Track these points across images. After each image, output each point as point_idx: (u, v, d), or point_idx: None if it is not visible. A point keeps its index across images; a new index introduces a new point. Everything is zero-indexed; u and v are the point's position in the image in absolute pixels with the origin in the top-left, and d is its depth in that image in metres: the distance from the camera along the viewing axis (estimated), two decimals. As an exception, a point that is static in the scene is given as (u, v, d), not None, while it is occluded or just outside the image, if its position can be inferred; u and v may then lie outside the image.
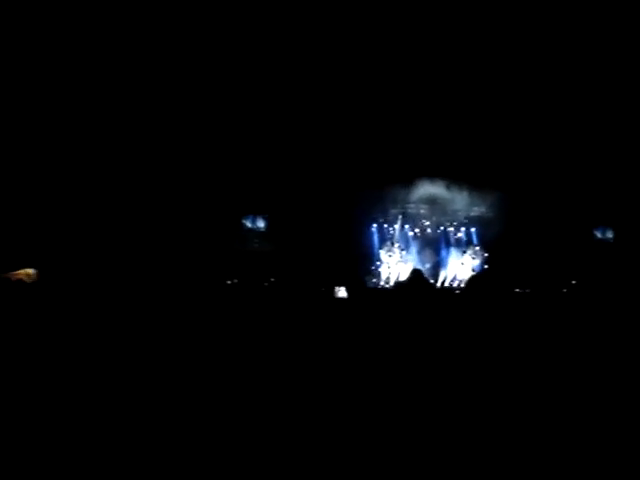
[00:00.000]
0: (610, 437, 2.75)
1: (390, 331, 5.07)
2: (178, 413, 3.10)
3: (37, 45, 13.03)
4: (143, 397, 3.37)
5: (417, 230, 17.58)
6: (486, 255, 16.80)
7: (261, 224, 16.63)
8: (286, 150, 15.26)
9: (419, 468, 2.51)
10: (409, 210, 17.48)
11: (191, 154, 14.95)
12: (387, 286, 16.49)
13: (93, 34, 13.20)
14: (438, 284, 16.63)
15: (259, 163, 15.32)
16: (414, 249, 17.29)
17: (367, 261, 16.95)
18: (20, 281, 8.24)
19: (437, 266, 17.18)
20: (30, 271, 9.30)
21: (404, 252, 17.07)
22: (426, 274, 14.66)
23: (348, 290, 8.50)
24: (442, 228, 17.60)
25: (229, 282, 14.37)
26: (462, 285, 15.71)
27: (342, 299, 10.07)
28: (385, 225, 17.47)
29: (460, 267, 16.84)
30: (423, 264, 16.63)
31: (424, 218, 17.56)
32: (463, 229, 17.51)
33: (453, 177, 16.31)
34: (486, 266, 16.57)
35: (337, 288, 11.21)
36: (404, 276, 14.07)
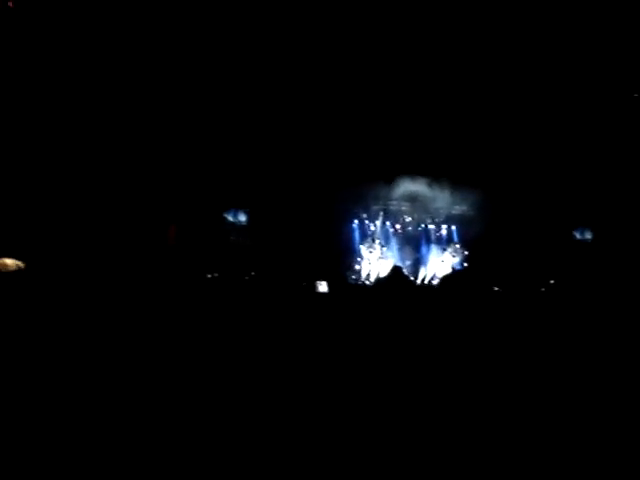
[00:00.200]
0: (590, 433, 2.77)
1: (370, 327, 5.07)
2: (159, 409, 3.06)
3: (33, 43, 12.82)
4: (122, 392, 3.32)
5: (398, 227, 17.63)
6: (466, 253, 16.94)
7: (242, 218, 16.54)
8: (269, 145, 15.19)
9: (403, 467, 2.51)
10: (391, 207, 17.51)
11: (172, 149, 14.80)
12: (367, 282, 16.53)
13: (87, 31, 13.01)
14: (418, 281, 16.70)
15: (241, 158, 15.23)
16: (395, 246, 17.35)
17: (348, 256, 16.96)
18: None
19: (417, 263, 17.25)
20: (8, 261, 9.12)
21: (385, 249, 17.11)
22: (406, 271, 14.74)
23: (329, 285, 8.51)
24: (423, 226, 17.68)
25: (209, 276, 14.28)
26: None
27: (323, 294, 10.08)
28: (366, 221, 17.48)
29: (440, 265, 16.94)
30: (403, 261, 16.71)
31: (405, 215, 17.62)
32: (444, 227, 17.60)
33: (435, 175, 16.39)
34: (466, 264, 16.71)
35: (318, 282, 11.20)
36: (384, 272, 14.11)
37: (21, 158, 13.33)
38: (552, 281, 14.06)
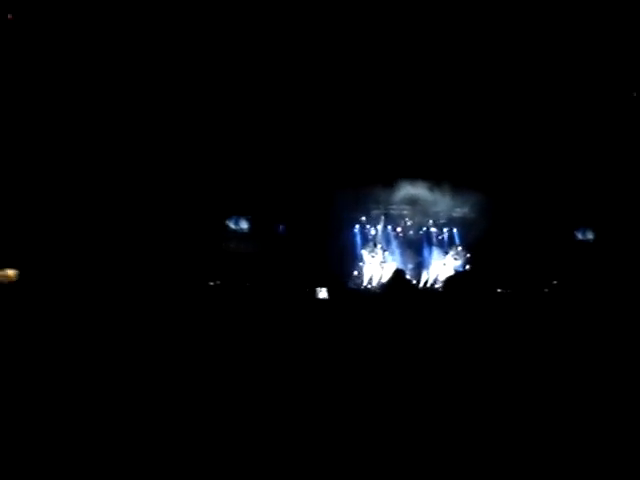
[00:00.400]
0: (594, 432, 2.76)
1: (372, 332, 5.06)
2: (157, 412, 3.06)
3: (32, 43, 12.85)
4: (122, 396, 3.32)
5: (399, 231, 17.61)
6: (468, 256, 16.90)
7: (244, 225, 16.53)
8: (270, 151, 15.19)
9: (398, 468, 2.49)
10: (392, 211, 17.49)
11: (174, 155, 14.81)
12: (370, 287, 16.50)
13: (86, 31, 13.03)
14: (420, 285, 16.68)
15: (242, 164, 15.23)
16: (396, 250, 17.33)
17: (350, 261, 16.95)
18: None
19: (419, 267, 17.23)
20: (10, 272, 9.13)
21: (386, 253, 17.09)
22: (409, 275, 14.72)
23: (329, 291, 8.51)
24: (424, 229, 17.65)
25: (212, 283, 14.29)
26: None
27: (323, 300, 10.08)
28: (367, 226, 17.46)
29: (442, 268, 16.90)
30: (405, 265, 16.67)
31: (406, 218, 17.60)
32: (445, 230, 17.57)
33: (435, 178, 16.36)
34: (468, 267, 16.68)
35: (318, 289, 11.20)
36: (387, 277, 14.09)
37: (21, 161, 13.39)
38: (555, 282, 14.04)
